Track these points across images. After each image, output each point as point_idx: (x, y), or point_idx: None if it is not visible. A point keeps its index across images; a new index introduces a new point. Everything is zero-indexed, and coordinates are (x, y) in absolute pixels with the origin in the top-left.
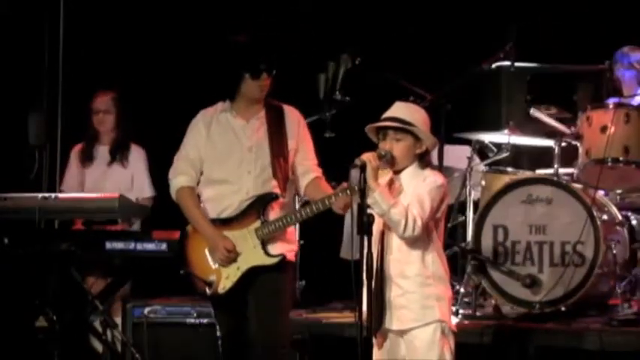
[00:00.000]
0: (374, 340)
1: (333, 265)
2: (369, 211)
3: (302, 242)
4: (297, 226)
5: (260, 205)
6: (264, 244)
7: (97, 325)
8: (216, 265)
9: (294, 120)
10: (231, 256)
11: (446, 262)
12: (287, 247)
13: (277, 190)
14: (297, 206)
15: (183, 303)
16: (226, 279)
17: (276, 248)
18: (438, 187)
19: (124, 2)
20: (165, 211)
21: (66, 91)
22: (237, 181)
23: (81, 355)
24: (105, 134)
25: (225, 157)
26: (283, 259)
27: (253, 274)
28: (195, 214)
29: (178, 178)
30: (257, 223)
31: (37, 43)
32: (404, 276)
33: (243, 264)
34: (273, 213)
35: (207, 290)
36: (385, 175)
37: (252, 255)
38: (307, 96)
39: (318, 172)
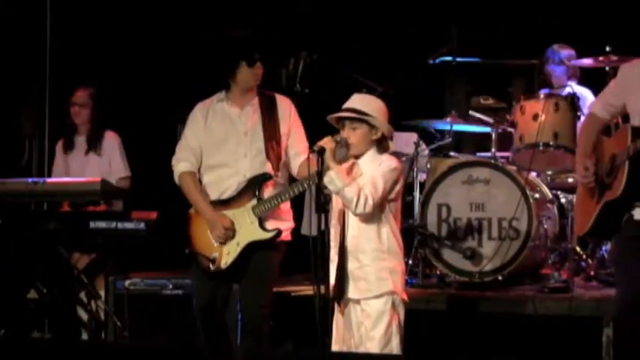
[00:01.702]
0: (337, 308)
1: (294, 240)
2: (325, 191)
3: None
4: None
5: (255, 185)
6: (260, 221)
7: (83, 296)
8: (218, 243)
9: (286, 106)
10: (228, 234)
11: (400, 238)
12: (283, 225)
13: (271, 171)
14: None
15: (161, 276)
16: (227, 255)
17: (271, 224)
18: (391, 170)
19: (106, 8)
20: (143, 193)
21: (53, 87)
22: (235, 164)
23: (68, 323)
24: (81, 125)
25: (223, 142)
26: (279, 234)
27: (251, 249)
28: (196, 197)
29: (180, 165)
30: (253, 202)
31: (26, 42)
32: (361, 250)
33: (243, 239)
34: (268, 192)
35: (211, 266)
36: (346, 161)
37: (250, 231)
38: (270, 88)
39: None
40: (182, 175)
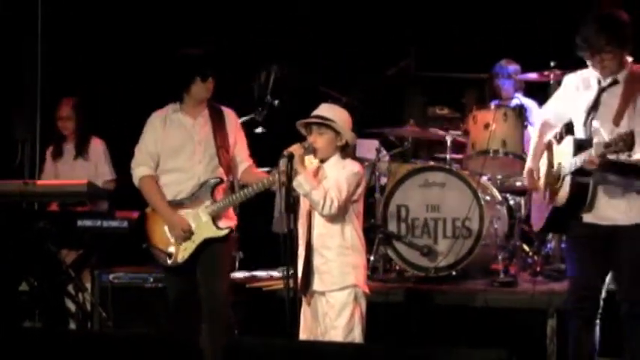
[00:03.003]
0: (304, 300)
1: (266, 238)
2: (294, 193)
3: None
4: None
5: (209, 188)
6: (214, 220)
7: (70, 289)
8: (174, 240)
9: (232, 119)
10: (186, 235)
11: (362, 236)
12: (231, 222)
13: (223, 176)
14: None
15: (142, 270)
16: (184, 250)
17: (223, 222)
18: (354, 175)
19: (94, 18)
20: (126, 194)
21: (44, 93)
22: (191, 169)
23: (57, 314)
24: (69, 135)
25: (180, 149)
26: (231, 231)
27: (205, 244)
28: (156, 199)
29: (140, 169)
30: (207, 203)
31: (18, 50)
32: (326, 247)
33: (198, 237)
34: (220, 194)
35: (168, 260)
36: (313, 165)
37: (204, 229)
38: (243, 99)
39: (250, 161)
40: (143, 178)
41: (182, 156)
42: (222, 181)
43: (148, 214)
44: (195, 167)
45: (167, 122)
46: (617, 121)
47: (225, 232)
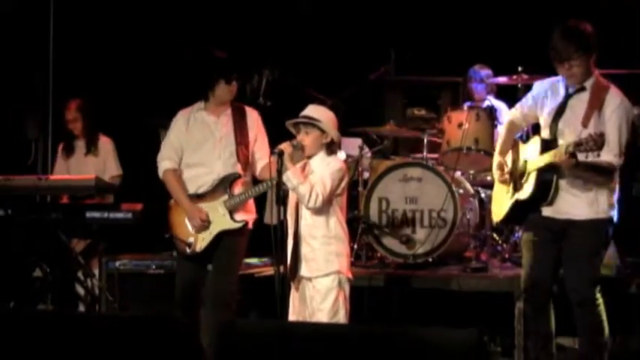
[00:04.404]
0: (292, 285)
1: (259, 228)
2: (284, 187)
3: None
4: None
5: (227, 182)
6: (231, 213)
7: (80, 275)
8: (194, 230)
9: (254, 117)
10: (205, 225)
11: (346, 227)
12: (248, 216)
13: (240, 171)
14: None
15: (146, 258)
16: (202, 240)
17: (240, 216)
18: (338, 171)
19: (104, 19)
20: (131, 188)
21: (55, 94)
22: (211, 164)
23: (67, 298)
24: (79, 134)
25: (201, 145)
26: (246, 224)
27: (222, 235)
28: (178, 191)
29: (164, 162)
30: (225, 197)
31: (31, 53)
32: (312, 236)
33: (215, 228)
34: (237, 189)
35: (188, 249)
36: (301, 161)
37: (222, 221)
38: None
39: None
40: (166, 171)
41: (203, 151)
42: (239, 176)
43: (170, 207)
44: (214, 163)
45: (191, 120)
46: (585, 123)
47: (240, 224)
